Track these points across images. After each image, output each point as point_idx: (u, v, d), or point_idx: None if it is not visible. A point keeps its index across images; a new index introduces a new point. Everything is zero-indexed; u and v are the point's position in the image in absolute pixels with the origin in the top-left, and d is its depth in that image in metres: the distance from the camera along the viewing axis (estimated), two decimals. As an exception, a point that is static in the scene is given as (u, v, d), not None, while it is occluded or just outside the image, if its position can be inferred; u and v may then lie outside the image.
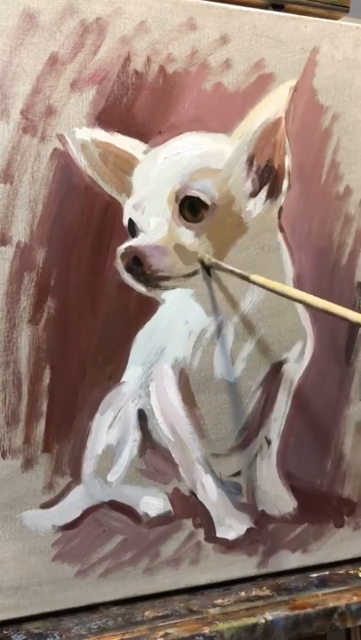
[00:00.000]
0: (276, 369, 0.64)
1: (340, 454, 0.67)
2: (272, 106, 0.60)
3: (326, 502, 0.68)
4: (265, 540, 0.66)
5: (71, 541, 0.59)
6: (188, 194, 0.58)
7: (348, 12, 0.66)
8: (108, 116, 0.56)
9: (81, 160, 0.56)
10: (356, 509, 0.69)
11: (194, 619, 0.60)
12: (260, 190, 0.61)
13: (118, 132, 0.57)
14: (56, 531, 0.58)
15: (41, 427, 0.57)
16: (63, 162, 0.55)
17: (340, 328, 0.66)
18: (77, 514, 0.59)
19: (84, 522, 0.59)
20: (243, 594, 0.64)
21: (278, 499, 0.66)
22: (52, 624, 0.58)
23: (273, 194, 0.62)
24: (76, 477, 0.59)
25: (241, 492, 0.65)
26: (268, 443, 0.65)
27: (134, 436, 0.61)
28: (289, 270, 0.64)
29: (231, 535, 0.64)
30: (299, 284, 0.64)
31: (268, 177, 0.61)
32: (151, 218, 0.58)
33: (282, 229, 0.63)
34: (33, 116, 0.54)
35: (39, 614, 0.59)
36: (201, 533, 0.63)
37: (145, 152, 0.58)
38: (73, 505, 0.59)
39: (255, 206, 0.61)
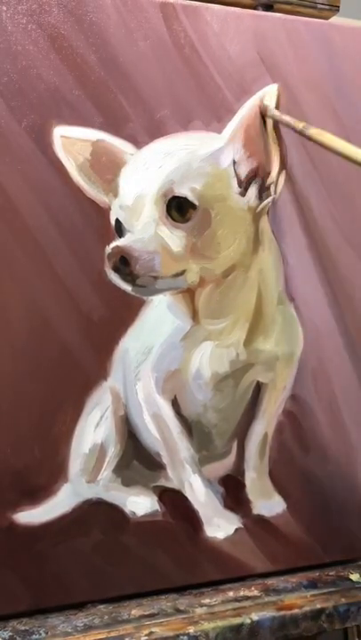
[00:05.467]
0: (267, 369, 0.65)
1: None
2: (260, 102, 0.60)
3: (316, 503, 0.68)
4: (254, 541, 0.66)
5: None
6: (176, 194, 0.58)
7: (338, 11, 0.66)
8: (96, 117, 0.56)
9: (68, 159, 0.56)
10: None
11: (180, 618, 0.60)
12: (248, 189, 0.61)
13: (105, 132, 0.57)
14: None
15: (26, 425, 0.57)
16: (50, 162, 0.56)
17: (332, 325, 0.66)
18: (64, 512, 0.59)
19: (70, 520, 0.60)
20: (231, 594, 0.64)
21: (268, 499, 0.66)
22: (39, 621, 0.59)
23: (262, 192, 0.61)
24: (63, 476, 0.59)
25: (229, 491, 0.65)
26: (258, 442, 0.65)
27: (121, 434, 0.61)
28: (280, 269, 0.64)
29: (220, 535, 0.64)
30: (287, 284, 0.64)
31: (256, 174, 0.61)
32: (138, 218, 0.58)
33: (271, 227, 0.63)
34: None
35: (26, 611, 0.59)
36: (189, 533, 0.63)
37: (132, 152, 0.58)
38: (60, 503, 0.59)
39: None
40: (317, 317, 0.65)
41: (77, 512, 0.60)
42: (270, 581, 0.66)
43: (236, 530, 0.64)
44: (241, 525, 0.65)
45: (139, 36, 0.57)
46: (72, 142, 0.56)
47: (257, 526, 0.66)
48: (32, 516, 0.58)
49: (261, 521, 0.66)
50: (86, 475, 0.60)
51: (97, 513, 0.60)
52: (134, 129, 0.58)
